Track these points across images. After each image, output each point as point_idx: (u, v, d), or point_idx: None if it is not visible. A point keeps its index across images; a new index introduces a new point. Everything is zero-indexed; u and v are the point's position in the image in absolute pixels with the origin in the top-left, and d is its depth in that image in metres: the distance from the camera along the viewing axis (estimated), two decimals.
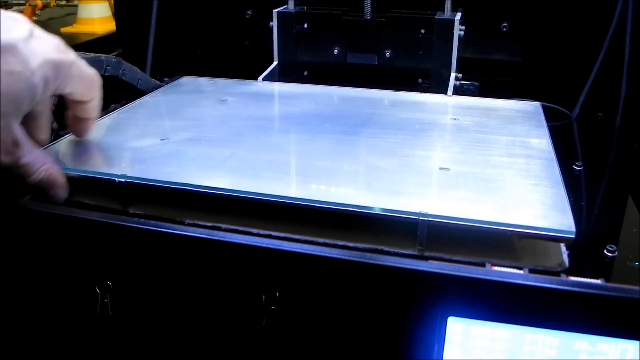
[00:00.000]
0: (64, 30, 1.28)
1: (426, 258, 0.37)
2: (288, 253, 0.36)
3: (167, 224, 0.39)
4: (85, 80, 0.44)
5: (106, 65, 0.61)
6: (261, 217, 0.42)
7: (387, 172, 0.45)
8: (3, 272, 0.43)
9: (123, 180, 0.43)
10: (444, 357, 0.34)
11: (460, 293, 0.33)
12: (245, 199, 0.41)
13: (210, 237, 0.37)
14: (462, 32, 0.71)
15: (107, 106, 0.63)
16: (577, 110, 0.71)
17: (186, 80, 0.72)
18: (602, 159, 0.60)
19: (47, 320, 0.43)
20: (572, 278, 0.33)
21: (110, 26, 1.22)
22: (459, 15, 0.72)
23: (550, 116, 0.61)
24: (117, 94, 0.67)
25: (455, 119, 0.58)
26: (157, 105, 0.62)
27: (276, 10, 0.78)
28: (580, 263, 0.38)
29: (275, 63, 0.79)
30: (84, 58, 0.44)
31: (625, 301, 0.31)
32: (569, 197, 0.40)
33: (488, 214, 0.38)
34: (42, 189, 0.42)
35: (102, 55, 0.61)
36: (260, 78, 0.74)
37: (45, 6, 1.39)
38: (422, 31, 0.74)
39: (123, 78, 0.64)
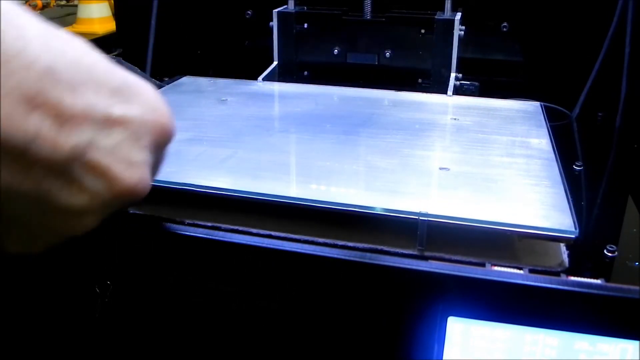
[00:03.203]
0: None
1: (426, 258, 0.37)
2: (288, 253, 0.36)
3: (168, 224, 0.39)
4: None
5: None
6: (261, 217, 0.42)
7: (387, 172, 0.45)
8: (3, 272, 0.43)
9: None
10: (444, 357, 0.34)
11: (460, 293, 0.33)
12: (245, 199, 0.41)
13: (210, 237, 0.37)
14: (462, 32, 0.71)
15: None
16: (577, 110, 0.71)
17: (186, 80, 0.72)
18: (602, 159, 0.59)
19: (47, 320, 0.43)
20: (572, 278, 0.33)
21: (110, 26, 1.23)
22: (459, 15, 0.72)
23: (550, 116, 0.61)
24: None
25: (455, 119, 0.58)
26: None
27: (276, 10, 0.78)
28: (580, 263, 0.38)
29: (275, 63, 0.79)
30: None
31: (625, 301, 0.31)
32: (569, 197, 0.40)
33: (488, 214, 0.38)
34: None
35: None
36: (260, 78, 0.74)
37: (45, 6, 1.39)
38: (422, 31, 0.74)
39: None
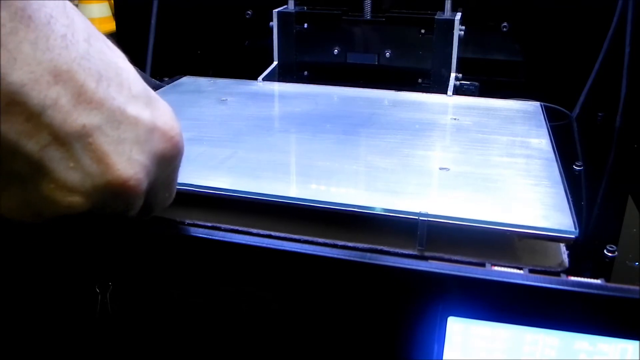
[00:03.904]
0: None
1: (426, 258, 0.37)
2: (288, 253, 0.36)
3: (168, 224, 0.39)
4: None
5: None
6: (261, 217, 0.42)
7: (387, 172, 0.45)
8: (3, 272, 0.43)
9: None
10: (444, 357, 0.34)
11: (460, 293, 0.33)
12: (245, 199, 0.41)
13: (210, 237, 0.37)
14: (462, 32, 0.71)
15: None
16: (577, 110, 0.71)
17: (186, 80, 0.72)
18: (602, 159, 0.60)
19: (47, 320, 0.43)
20: (572, 278, 0.33)
21: (110, 26, 1.23)
22: (459, 15, 0.72)
23: (550, 116, 0.61)
24: None
25: (455, 119, 0.58)
26: None
27: (276, 10, 0.78)
28: (580, 263, 0.38)
29: (275, 63, 0.79)
30: None
31: (625, 301, 0.31)
32: (569, 197, 0.40)
33: (488, 214, 0.38)
34: None
35: None
36: (260, 78, 0.74)
37: None
38: (422, 31, 0.74)
39: None
